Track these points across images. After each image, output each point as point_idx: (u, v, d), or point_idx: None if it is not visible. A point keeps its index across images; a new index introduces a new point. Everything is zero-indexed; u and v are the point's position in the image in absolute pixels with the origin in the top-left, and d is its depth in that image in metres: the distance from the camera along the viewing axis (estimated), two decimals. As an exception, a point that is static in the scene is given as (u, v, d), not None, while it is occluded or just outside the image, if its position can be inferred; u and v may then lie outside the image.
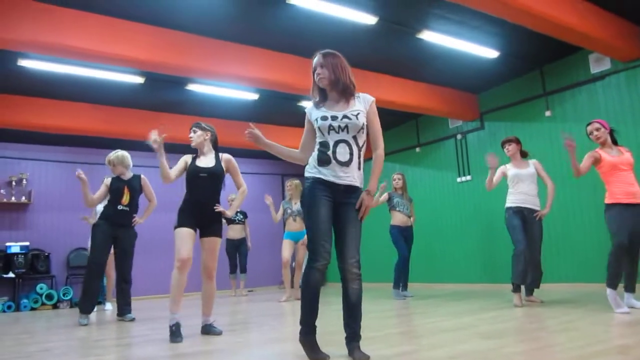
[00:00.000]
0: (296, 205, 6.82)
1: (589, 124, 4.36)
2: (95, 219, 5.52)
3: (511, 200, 5.06)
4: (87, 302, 5.01)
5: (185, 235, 3.66)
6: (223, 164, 3.97)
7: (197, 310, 3.78)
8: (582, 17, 5.05)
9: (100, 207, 6.30)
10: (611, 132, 4.34)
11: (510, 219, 4.99)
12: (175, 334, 3.57)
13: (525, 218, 4.96)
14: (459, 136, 7.95)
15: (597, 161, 4.23)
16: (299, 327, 2.68)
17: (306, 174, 2.71)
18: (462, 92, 7.55)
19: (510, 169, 5.15)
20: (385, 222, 6.72)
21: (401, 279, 6.49)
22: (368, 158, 2.72)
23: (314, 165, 2.66)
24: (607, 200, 4.18)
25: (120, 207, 5.15)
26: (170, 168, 3.78)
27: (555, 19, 4.79)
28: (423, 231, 8.01)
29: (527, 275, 4.85)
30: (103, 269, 5.13)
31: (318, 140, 2.69)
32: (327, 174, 2.61)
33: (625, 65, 5.86)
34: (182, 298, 3.70)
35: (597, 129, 4.28)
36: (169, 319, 3.66)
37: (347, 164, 2.60)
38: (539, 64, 6.67)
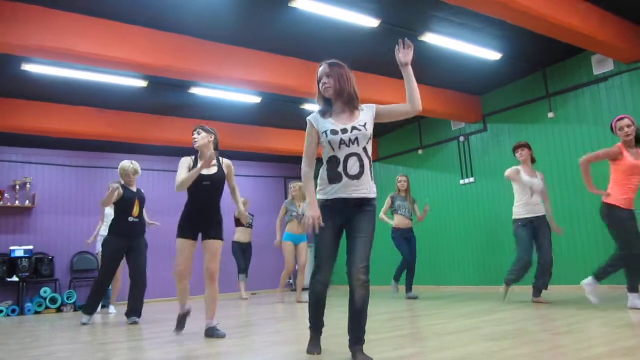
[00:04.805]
0: (301, 208, 6.82)
1: (620, 119, 4.24)
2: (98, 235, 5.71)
3: (520, 213, 5.08)
4: (93, 305, 5.28)
5: (184, 248, 3.84)
6: (225, 170, 4.00)
7: (200, 313, 3.79)
8: (584, 19, 5.05)
9: (109, 211, 6.36)
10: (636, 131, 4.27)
11: (519, 231, 5.06)
12: (180, 323, 4.06)
13: (535, 228, 5.03)
14: (461, 138, 7.94)
15: (617, 157, 4.15)
16: (303, 331, 2.75)
17: (317, 196, 2.69)
18: (465, 94, 7.55)
19: (524, 175, 5.13)
20: (388, 226, 6.72)
21: (401, 275, 6.68)
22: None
23: (324, 185, 2.65)
24: (608, 200, 4.16)
25: (131, 219, 5.21)
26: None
27: (557, 20, 4.79)
28: (426, 233, 8.00)
29: (517, 282, 5.12)
30: (112, 278, 5.43)
31: (326, 155, 2.66)
32: (337, 192, 2.60)
33: (628, 66, 5.85)
34: (187, 298, 4.08)
35: (629, 126, 4.16)
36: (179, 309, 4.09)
37: (358, 176, 2.59)
38: (542, 66, 6.66)
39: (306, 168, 2.73)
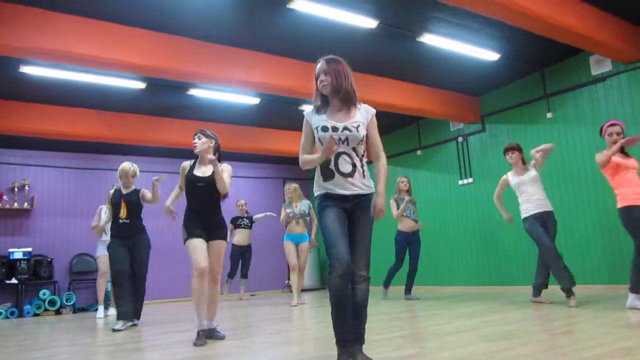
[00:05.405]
0: (297, 208, 6.82)
1: (611, 124, 4.30)
2: (101, 225, 5.73)
3: (527, 209, 5.01)
4: (120, 308, 5.06)
5: (198, 245, 3.78)
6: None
7: (200, 314, 3.78)
8: (582, 19, 5.06)
9: (102, 216, 6.41)
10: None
11: (533, 227, 4.90)
12: (200, 337, 3.70)
13: (545, 222, 4.96)
14: (460, 139, 7.95)
15: (607, 162, 4.22)
16: (302, 332, 2.68)
17: (315, 193, 2.70)
18: (463, 95, 7.55)
19: (512, 178, 5.14)
20: (390, 227, 6.72)
21: (390, 282, 6.80)
22: (371, 161, 2.72)
23: (320, 182, 2.65)
24: (621, 204, 4.17)
25: (121, 221, 5.23)
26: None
27: (555, 21, 4.80)
28: (425, 234, 7.98)
29: (571, 275, 4.67)
30: (125, 275, 5.12)
31: (319, 151, 2.67)
32: (333, 188, 2.59)
33: (626, 66, 5.86)
34: (204, 305, 3.80)
35: (619, 133, 4.26)
36: (197, 325, 3.80)
37: (350, 175, 2.58)
38: (540, 66, 6.67)
39: (303, 156, 2.73)
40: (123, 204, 5.22)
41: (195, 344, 3.60)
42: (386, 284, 6.83)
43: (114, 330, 4.81)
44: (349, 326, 2.50)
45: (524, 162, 5.24)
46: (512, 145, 5.26)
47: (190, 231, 3.82)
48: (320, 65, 2.68)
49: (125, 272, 5.12)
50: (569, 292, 4.64)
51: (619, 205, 4.20)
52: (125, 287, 5.08)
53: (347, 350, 2.49)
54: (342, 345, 2.50)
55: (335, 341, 2.52)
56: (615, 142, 4.26)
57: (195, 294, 3.75)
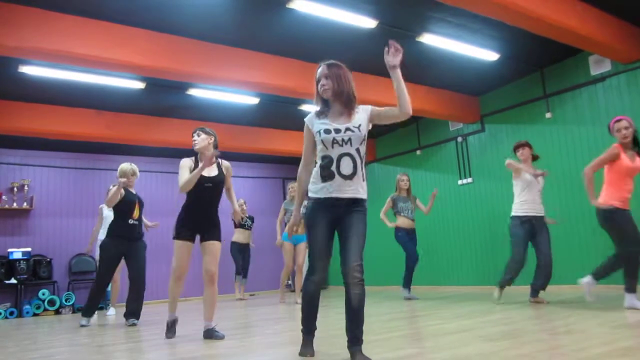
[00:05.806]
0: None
1: (618, 120, 4.24)
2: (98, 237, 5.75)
3: (519, 209, 5.05)
4: (91, 308, 5.40)
5: (181, 248, 3.82)
6: (224, 172, 4.04)
7: (199, 315, 3.79)
8: (581, 19, 5.06)
9: (107, 213, 6.37)
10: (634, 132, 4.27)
11: (515, 230, 5.01)
12: (170, 329, 3.95)
13: (533, 227, 5.01)
14: (459, 139, 7.95)
15: (615, 158, 4.16)
16: (301, 332, 2.77)
17: (309, 193, 2.72)
18: (463, 95, 7.56)
19: (526, 174, 5.12)
20: (387, 227, 6.71)
21: (411, 279, 6.59)
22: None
23: (317, 182, 2.67)
24: (605, 203, 4.17)
25: (131, 222, 5.24)
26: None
27: (554, 21, 4.80)
28: (425, 233, 8.00)
29: (512, 283, 5.15)
30: (109, 283, 5.47)
31: (320, 153, 2.69)
32: (330, 189, 2.61)
33: (625, 66, 5.86)
34: (177, 301, 4.01)
35: (627, 128, 4.17)
36: (167, 317, 4.01)
37: (350, 177, 2.61)
38: (540, 66, 6.67)
39: (301, 169, 2.82)
40: (137, 205, 5.27)
41: (166, 336, 3.92)
42: (406, 283, 6.55)
43: (82, 326, 5.22)
44: (315, 318, 2.80)
45: (533, 159, 5.26)
46: (521, 142, 5.31)
47: (181, 232, 3.84)
48: (321, 69, 2.71)
49: (109, 280, 5.39)
50: (501, 286, 5.17)
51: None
52: (103, 292, 5.42)
53: (311, 338, 2.81)
54: (308, 334, 2.80)
55: (302, 329, 2.81)
56: (625, 137, 4.16)
57: (170, 295, 3.94)
